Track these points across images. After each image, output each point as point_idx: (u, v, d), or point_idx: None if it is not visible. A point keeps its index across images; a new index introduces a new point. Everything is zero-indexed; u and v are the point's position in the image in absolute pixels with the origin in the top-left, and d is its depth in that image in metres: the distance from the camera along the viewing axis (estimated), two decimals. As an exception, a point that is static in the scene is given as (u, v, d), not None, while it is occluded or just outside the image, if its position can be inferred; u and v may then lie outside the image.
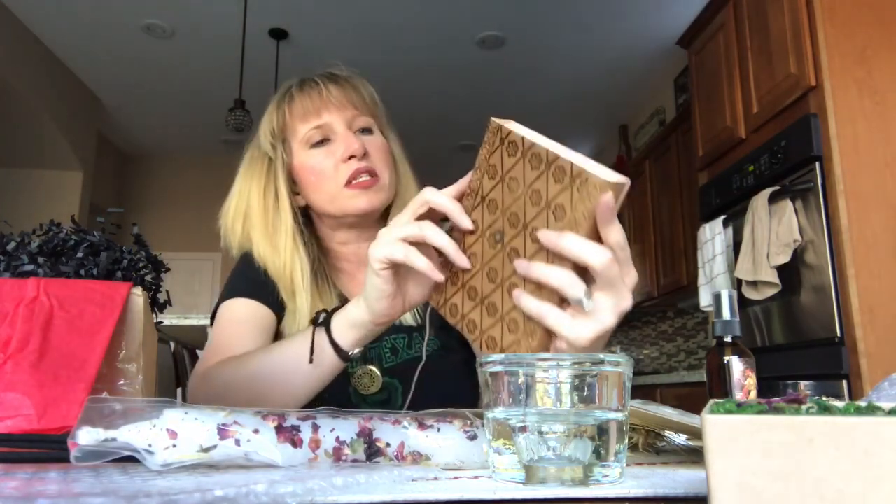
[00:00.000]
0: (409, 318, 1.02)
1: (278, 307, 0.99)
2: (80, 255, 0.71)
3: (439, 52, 4.64)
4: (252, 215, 1.01)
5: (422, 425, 0.53)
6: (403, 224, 0.61)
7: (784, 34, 2.46)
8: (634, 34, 4.38)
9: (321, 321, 0.73)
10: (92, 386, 0.61)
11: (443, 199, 0.60)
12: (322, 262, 1.03)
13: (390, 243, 0.61)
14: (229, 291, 1.01)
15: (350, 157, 0.97)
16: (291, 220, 1.00)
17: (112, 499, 0.32)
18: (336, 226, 1.03)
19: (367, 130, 1.03)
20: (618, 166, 5.27)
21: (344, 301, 0.95)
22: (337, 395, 0.93)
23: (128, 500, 0.32)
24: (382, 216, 1.05)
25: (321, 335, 0.72)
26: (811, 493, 0.28)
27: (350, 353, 0.72)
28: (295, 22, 4.35)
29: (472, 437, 0.53)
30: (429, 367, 0.99)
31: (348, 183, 0.97)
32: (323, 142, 1.00)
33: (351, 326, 0.70)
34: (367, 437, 0.51)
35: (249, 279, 1.01)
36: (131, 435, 0.45)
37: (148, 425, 0.46)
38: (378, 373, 0.97)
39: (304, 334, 0.75)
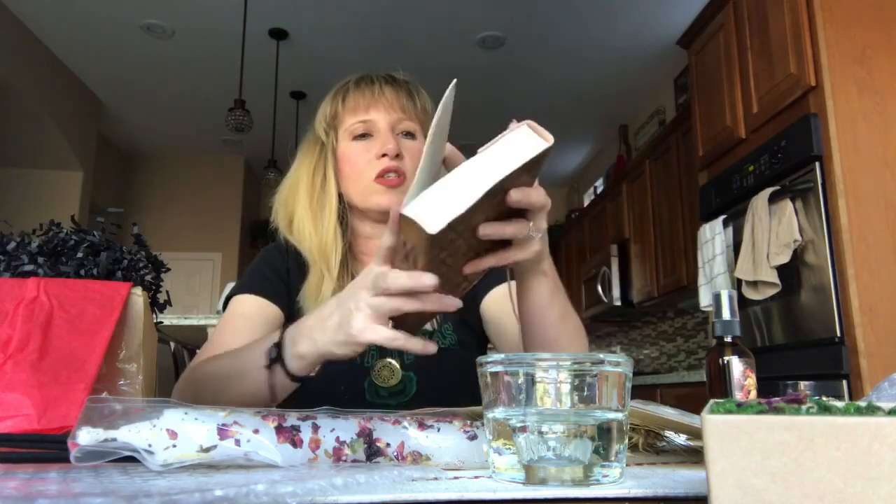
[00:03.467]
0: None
1: (288, 306, 1.02)
2: (79, 255, 0.71)
3: (439, 52, 4.65)
4: (299, 190, 1.06)
5: (422, 425, 0.53)
6: (378, 294, 0.60)
7: (784, 34, 2.46)
8: (634, 34, 4.38)
9: (274, 360, 0.72)
10: (92, 386, 0.61)
11: (398, 283, 0.60)
12: (348, 250, 1.07)
13: (377, 327, 0.61)
14: (241, 286, 1.04)
15: (383, 156, 1.01)
16: (336, 202, 1.04)
17: (112, 499, 0.32)
18: (364, 218, 1.07)
19: (410, 135, 1.06)
20: (618, 166, 5.27)
21: None
22: (351, 388, 0.98)
23: (128, 500, 0.32)
24: None
25: (278, 375, 0.72)
26: (811, 493, 0.28)
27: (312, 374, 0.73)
28: (295, 22, 4.35)
29: (472, 437, 0.53)
30: (445, 360, 1.00)
31: (378, 178, 1.00)
32: (364, 136, 1.04)
33: (310, 366, 0.70)
34: (367, 437, 0.51)
35: (264, 276, 1.04)
36: (131, 435, 0.45)
37: (148, 425, 0.46)
38: (398, 366, 1.00)
39: (264, 346, 0.74)
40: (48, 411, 0.58)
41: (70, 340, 0.62)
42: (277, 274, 1.04)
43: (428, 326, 1.04)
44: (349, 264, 1.06)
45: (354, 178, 1.03)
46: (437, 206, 0.54)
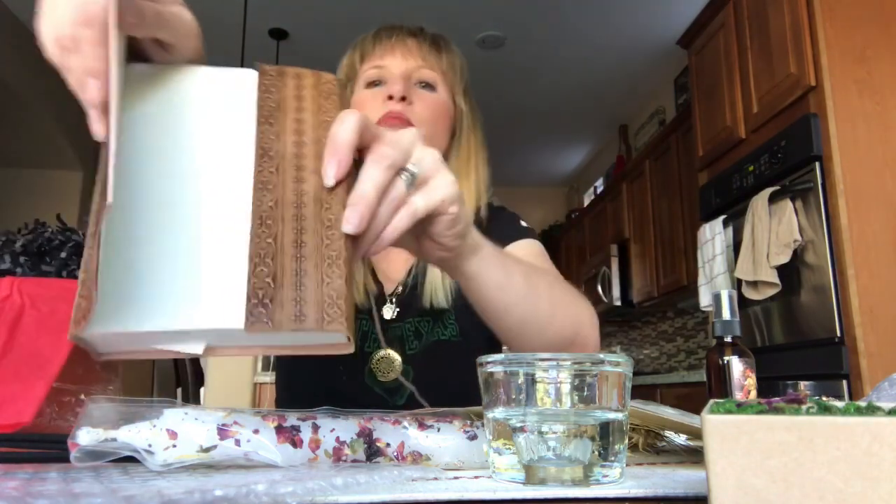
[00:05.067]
0: (441, 300, 0.94)
1: None
2: (63, 254, 0.71)
3: (439, 52, 4.64)
4: None
5: (422, 425, 0.53)
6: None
7: (784, 34, 2.46)
8: (634, 34, 4.38)
9: None
10: (52, 383, 0.61)
11: None
12: None
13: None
14: None
15: (389, 98, 0.92)
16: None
17: (112, 499, 0.32)
18: None
19: (427, 86, 0.97)
20: (618, 166, 5.27)
21: (373, 275, 0.95)
22: (351, 374, 0.93)
23: (128, 500, 0.32)
24: None
25: None
26: (811, 493, 0.28)
27: None
28: (295, 22, 4.35)
29: (472, 437, 0.53)
30: (441, 354, 0.95)
31: (379, 123, 0.89)
32: (378, 83, 0.96)
33: None
34: (367, 437, 0.51)
35: None
36: (131, 435, 0.45)
37: (148, 425, 0.46)
38: (398, 358, 0.93)
39: None
40: (3, 407, 0.59)
41: (38, 338, 0.62)
42: None
43: (443, 301, 0.95)
44: None
45: None
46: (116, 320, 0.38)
